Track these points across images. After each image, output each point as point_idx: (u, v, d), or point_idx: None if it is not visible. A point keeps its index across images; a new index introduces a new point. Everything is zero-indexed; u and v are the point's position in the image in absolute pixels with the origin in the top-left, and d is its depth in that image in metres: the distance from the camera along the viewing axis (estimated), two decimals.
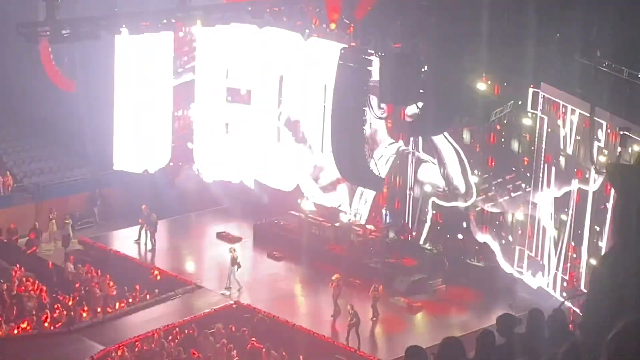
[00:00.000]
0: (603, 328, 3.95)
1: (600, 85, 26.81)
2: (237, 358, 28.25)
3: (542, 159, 30.79)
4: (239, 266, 32.69)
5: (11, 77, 38.54)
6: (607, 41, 26.95)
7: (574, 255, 29.29)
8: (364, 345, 29.14)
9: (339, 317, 30.43)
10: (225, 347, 28.72)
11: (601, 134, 27.11)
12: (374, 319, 30.90)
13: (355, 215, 36.34)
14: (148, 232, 36.22)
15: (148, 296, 31.89)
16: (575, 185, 29.02)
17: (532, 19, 28.52)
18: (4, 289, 31.46)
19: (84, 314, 30.64)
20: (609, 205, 26.57)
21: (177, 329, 29.51)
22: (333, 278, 31.24)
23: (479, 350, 8.62)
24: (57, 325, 30.14)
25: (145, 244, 36.26)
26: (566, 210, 29.59)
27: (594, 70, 26.79)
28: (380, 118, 34.33)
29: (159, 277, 33.23)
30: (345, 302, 30.27)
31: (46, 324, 30.09)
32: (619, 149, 25.79)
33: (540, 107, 30.43)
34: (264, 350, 28.33)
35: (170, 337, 29.00)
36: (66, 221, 37.31)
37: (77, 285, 32.54)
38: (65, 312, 30.52)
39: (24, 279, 32.40)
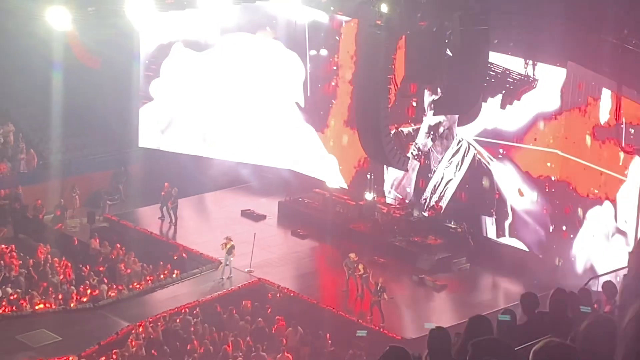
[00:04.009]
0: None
1: (628, 64, 26.57)
2: (261, 335, 28.36)
3: None
4: (234, 255, 32.35)
5: (36, 55, 38.52)
6: (635, 19, 26.67)
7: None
8: (387, 323, 29.15)
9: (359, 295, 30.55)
10: (249, 324, 28.82)
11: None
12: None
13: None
14: (171, 207, 36.37)
15: (173, 274, 32.01)
16: None
17: None
18: (30, 265, 31.66)
19: (109, 291, 30.79)
20: None
21: (200, 306, 29.60)
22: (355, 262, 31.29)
23: (499, 329, 8.59)
24: (82, 302, 30.32)
25: (170, 222, 36.40)
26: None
27: (621, 49, 26.55)
28: (405, 96, 34.12)
29: (184, 255, 33.30)
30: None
31: (72, 301, 30.27)
32: None
33: None
34: (290, 328, 28.41)
35: (195, 314, 29.11)
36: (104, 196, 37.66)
37: (102, 261, 32.70)
38: (90, 289, 30.69)
39: (49, 255, 32.59)
